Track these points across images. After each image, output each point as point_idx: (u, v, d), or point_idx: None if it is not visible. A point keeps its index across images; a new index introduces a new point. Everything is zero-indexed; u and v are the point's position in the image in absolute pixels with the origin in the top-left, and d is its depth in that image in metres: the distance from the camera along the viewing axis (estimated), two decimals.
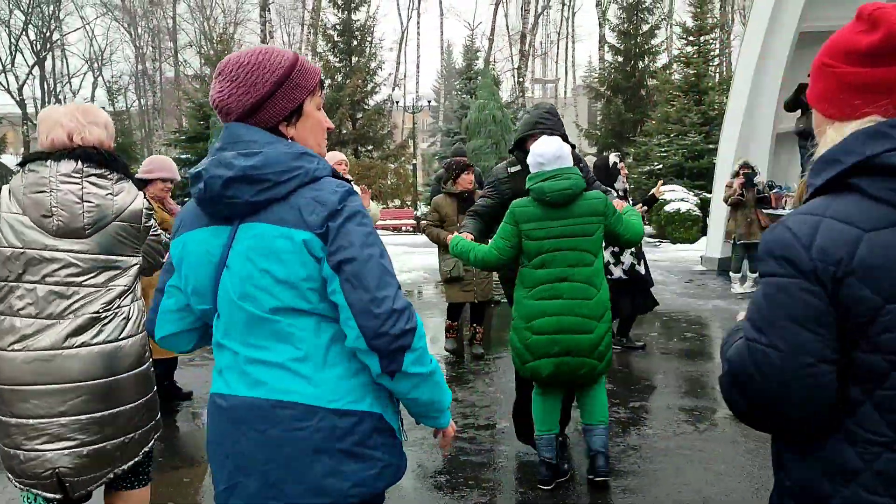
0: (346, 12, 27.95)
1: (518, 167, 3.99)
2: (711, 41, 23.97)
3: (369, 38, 28.47)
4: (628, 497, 3.66)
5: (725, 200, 9.91)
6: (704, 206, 16.30)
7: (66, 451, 2.41)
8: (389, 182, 25.97)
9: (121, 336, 2.50)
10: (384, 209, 24.85)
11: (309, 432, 1.56)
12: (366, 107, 27.98)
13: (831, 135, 1.32)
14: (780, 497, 1.39)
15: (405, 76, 44.01)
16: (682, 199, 17.28)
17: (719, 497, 3.62)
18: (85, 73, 47.41)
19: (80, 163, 2.46)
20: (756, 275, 9.75)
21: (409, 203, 27.12)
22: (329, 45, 28.26)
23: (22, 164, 2.50)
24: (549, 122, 3.92)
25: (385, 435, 1.65)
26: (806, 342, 1.22)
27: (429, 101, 30.59)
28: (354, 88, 26.74)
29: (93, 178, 2.47)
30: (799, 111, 9.56)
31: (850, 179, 1.26)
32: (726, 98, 15.50)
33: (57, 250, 2.42)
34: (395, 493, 3.61)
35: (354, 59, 28.00)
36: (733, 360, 1.31)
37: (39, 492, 2.45)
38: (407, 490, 3.76)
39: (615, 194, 6.46)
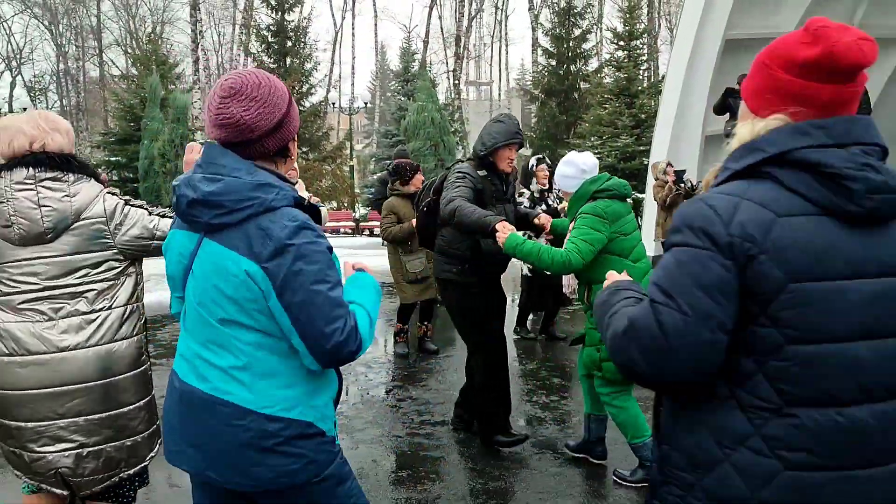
0: (279, 13, 27.66)
1: (485, 172, 4.08)
2: (641, 46, 24.72)
3: (304, 40, 28.24)
4: (581, 482, 3.86)
5: (664, 200, 10.23)
6: (637, 206, 16.83)
7: (66, 453, 2.45)
8: (326, 184, 25.83)
9: (115, 338, 2.51)
10: None
11: (241, 430, 1.79)
12: (302, 108, 27.75)
13: (745, 128, 1.46)
14: (664, 467, 1.49)
15: (340, 77, 43.78)
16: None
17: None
18: (2, 72, 45.41)
19: (31, 169, 2.44)
20: None
21: (346, 204, 27.03)
22: (263, 45, 27.92)
23: None
24: (520, 133, 4.09)
25: (312, 438, 1.85)
26: (711, 310, 1.34)
27: (365, 103, 30.53)
28: (290, 90, 26.49)
29: (47, 183, 2.46)
30: (728, 114, 10.03)
31: (766, 168, 1.39)
32: (656, 101, 16.07)
33: (24, 259, 2.42)
34: None
35: (289, 61, 27.73)
36: (638, 320, 1.40)
37: (48, 487, 2.50)
38: (370, 485, 3.85)
39: (526, 194, 6.71)
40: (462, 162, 4.21)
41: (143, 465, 2.61)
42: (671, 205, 10.13)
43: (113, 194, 2.58)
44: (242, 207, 1.73)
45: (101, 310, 2.49)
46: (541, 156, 7.10)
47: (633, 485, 3.75)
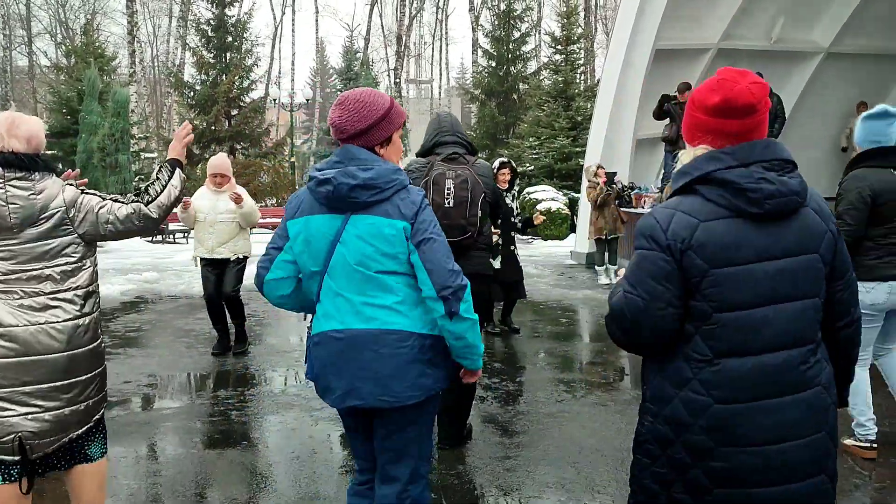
0: (219, 7, 27.44)
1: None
2: (578, 50, 25.51)
3: (244, 35, 28.07)
4: (521, 451, 4.33)
5: (595, 200, 10.76)
6: (573, 205, 17.50)
7: (30, 416, 2.65)
8: (266, 180, 25.79)
9: (79, 314, 2.75)
10: (262, 207, 24.66)
11: (408, 349, 2.41)
12: (242, 104, 27.61)
13: (686, 155, 2.01)
14: (643, 403, 2.05)
15: (280, 73, 43.54)
16: (552, 199, 18.42)
17: (595, 446, 4.35)
18: None
19: (1, 169, 2.65)
20: (616, 266, 10.81)
21: (286, 200, 26.98)
22: (203, 39, 27.65)
23: None
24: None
25: (447, 352, 2.49)
26: (661, 294, 1.88)
27: (307, 100, 30.53)
28: (230, 85, 26.36)
29: (14, 182, 2.66)
30: (668, 119, 10.69)
31: (695, 186, 1.93)
32: (592, 104, 16.74)
33: None
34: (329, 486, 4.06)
35: (229, 56, 27.53)
36: (615, 305, 1.97)
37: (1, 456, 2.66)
38: (323, 460, 4.21)
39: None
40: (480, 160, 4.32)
41: (88, 426, 2.81)
42: (602, 204, 10.68)
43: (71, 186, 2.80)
44: (390, 187, 2.39)
45: (66, 290, 2.73)
46: (505, 159, 7.51)
47: None
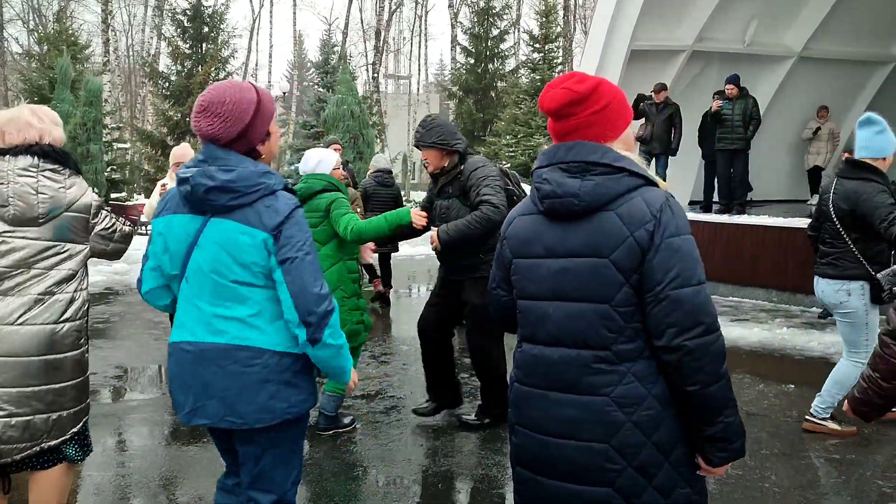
0: None
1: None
2: (555, 49, 25.64)
3: (221, 26, 27.81)
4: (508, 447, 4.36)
5: None
6: None
7: None
8: None
9: (59, 319, 2.71)
10: None
11: (259, 367, 2.19)
12: None
13: None
14: None
15: (256, 66, 43.21)
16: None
17: None
18: None
19: (36, 158, 2.72)
20: None
21: None
22: (179, 29, 27.35)
23: None
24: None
25: (308, 371, 2.29)
26: (494, 274, 2.13)
27: (284, 93, 30.35)
28: (206, 76, 26.11)
29: (48, 173, 2.73)
30: (643, 119, 10.79)
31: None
32: None
33: (11, 236, 2.68)
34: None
35: (205, 47, 27.27)
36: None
37: None
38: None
39: None
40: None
41: (63, 438, 2.76)
42: None
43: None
44: (254, 191, 2.17)
45: (52, 293, 2.71)
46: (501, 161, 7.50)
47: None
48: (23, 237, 2.69)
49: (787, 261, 8.95)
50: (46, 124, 2.80)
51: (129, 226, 3.06)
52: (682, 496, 1.85)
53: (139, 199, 21.62)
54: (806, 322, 8.01)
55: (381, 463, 4.11)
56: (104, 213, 2.94)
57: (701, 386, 1.77)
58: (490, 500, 3.70)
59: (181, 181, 2.20)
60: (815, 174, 12.20)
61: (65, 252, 2.77)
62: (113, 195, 20.07)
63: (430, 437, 4.51)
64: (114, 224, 2.97)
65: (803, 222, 9.14)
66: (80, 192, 2.82)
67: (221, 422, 2.21)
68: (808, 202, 10.69)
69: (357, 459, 4.15)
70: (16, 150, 2.72)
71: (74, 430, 2.80)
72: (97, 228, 2.88)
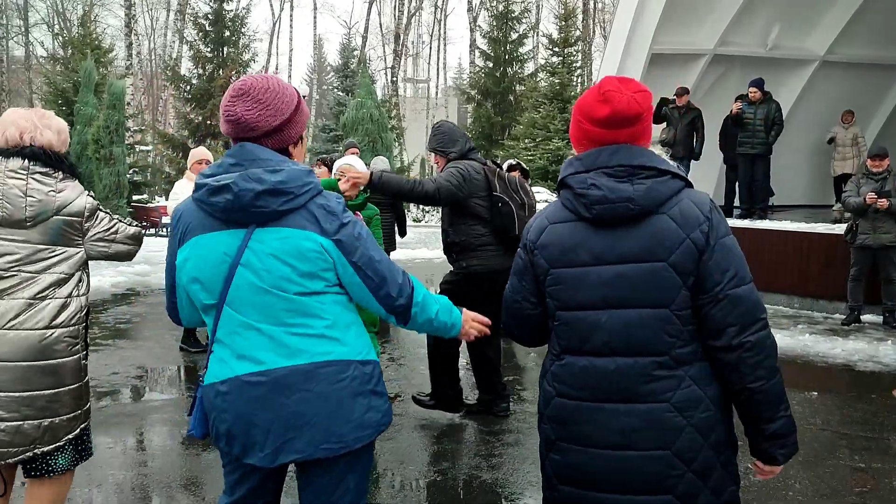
0: (218, 2, 27.38)
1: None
2: (574, 53, 25.59)
3: (242, 30, 28.03)
4: (507, 449, 4.36)
5: None
6: None
7: None
8: None
9: (50, 324, 2.66)
10: None
11: (348, 381, 1.98)
12: None
13: None
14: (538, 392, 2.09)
15: (277, 69, 43.47)
16: (545, 202, 18.50)
17: None
18: None
19: (26, 161, 2.66)
20: None
21: None
22: (200, 34, 27.60)
23: None
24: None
25: (381, 377, 2.12)
26: (518, 287, 2.02)
27: (303, 96, 30.50)
28: (227, 80, 26.31)
29: (38, 176, 2.66)
30: (665, 123, 10.74)
31: (560, 189, 1.96)
32: None
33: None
34: None
35: (226, 50, 27.50)
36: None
37: None
38: None
39: None
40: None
41: (57, 444, 2.71)
42: None
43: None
44: (305, 192, 1.94)
45: (43, 298, 2.66)
46: (514, 162, 7.32)
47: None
48: (10, 240, 2.63)
49: (809, 266, 8.85)
50: (34, 125, 2.71)
51: (136, 226, 2.96)
52: (731, 494, 1.89)
53: (160, 201, 21.83)
54: (829, 329, 7.90)
55: (400, 465, 4.11)
56: (102, 214, 2.83)
57: (763, 381, 1.81)
58: (505, 502, 3.69)
59: (215, 191, 1.92)
60: (842, 182, 12.04)
61: (56, 256, 2.69)
62: (135, 197, 20.29)
63: (445, 439, 4.50)
64: (114, 225, 2.85)
65: (826, 227, 9.07)
66: (73, 195, 2.73)
67: (317, 451, 1.96)
68: (833, 208, 10.55)
69: (375, 461, 4.15)
70: (7, 152, 2.67)
71: (69, 436, 2.73)
72: (93, 231, 2.78)
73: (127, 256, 2.93)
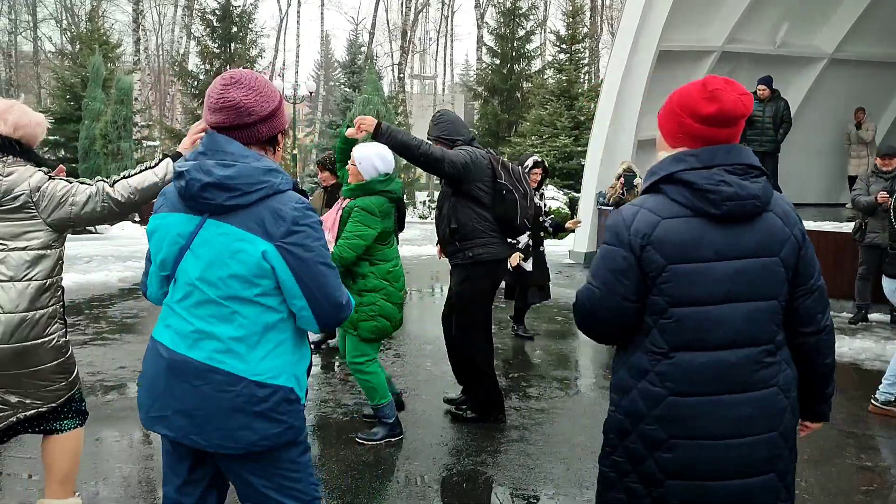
0: None
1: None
2: (582, 50, 25.51)
3: (249, 26, 28.05)
4: (512, 445, 4.36)
5: (608, 200, 10.77)
6: (573, 204, 17.52)
7: None
8: None
9: (31, 307, 2.76)
10: None
11: (232, 396, 1.98)
12: None
13: (663, 156, 2.05)
14: (610, 391, 2.10)
15: (284, 65, 43.49)
16: (552, 198, 18.45)
17: (584, 443, 4.37)
18: None
19: None
20: None
21: None
22: (208, 29, 27.63)
23: None
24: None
25: (293, 404, 2.06)
26: (616, 287, 1.95)
27: (310, 92, 30.48)
28: None
29: None
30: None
31: (660, 185, 1.98)
32: (595, 104, 16.74)
33: None
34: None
35: (234, 46, 27.52)
36: (577, 294, 2.07)
37: None
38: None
39: None
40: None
41: (36, 410, 2.84)
42: (617, 205, 10.72)
43: (51, 178, 2.83)
44: (255, 190, 1.94)
45: (22, 279, 2.75)
46: (538, 158, 7.23)
47: (377, 443, 4.25)
48: None
49: None
50: None
51: (106, 181, 2.88)
52: (793, 460, 2.06)
53: None
54: (836, 327, 7.77)
55: (405, 461, 4.11)
56: (53, 183, 2.82)
57: (833, 356, 2.12)
58: (516, 500, 3.68)
59: (177, 175, 2.00)
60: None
61: (15, 232, 2.75)
62: None
63: (450, 435, 4.50)
64: (71, 187, 2.82)
65: (833, 226, 9.03)
66: (21, 179, 2.77)
67: (185, 438, 2.03)
68: (847, 206, 10.50)
69: (380, 457, 4.16)
70: None
71: (53, 405, 2.88)
72: (45, 202, 2.78)
73: (105, 215, 2.84)
